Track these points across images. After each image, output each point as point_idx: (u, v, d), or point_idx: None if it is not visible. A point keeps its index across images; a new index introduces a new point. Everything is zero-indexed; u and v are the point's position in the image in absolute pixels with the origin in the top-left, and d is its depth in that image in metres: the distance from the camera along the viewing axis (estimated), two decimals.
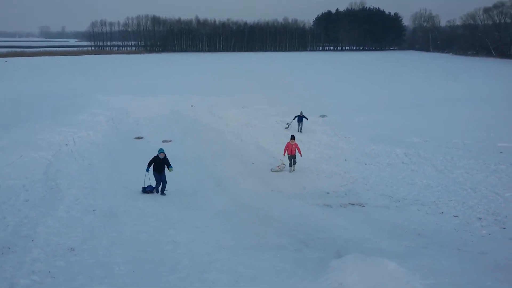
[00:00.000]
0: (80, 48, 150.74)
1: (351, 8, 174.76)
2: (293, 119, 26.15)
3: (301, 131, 25.33)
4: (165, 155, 14.68)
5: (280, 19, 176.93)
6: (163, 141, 23.55)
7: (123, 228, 10.13)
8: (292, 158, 18.18)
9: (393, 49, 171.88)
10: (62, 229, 9.84)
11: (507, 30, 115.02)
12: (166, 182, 14.55)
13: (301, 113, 25.84)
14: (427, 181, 14.76)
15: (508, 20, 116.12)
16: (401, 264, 7.31)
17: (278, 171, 18.11)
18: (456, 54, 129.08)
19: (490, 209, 11.59)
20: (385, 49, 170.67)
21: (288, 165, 18.29)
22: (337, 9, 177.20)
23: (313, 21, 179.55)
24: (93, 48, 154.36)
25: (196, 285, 7.30)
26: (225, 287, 7.26)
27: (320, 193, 14.68)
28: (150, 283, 7.40)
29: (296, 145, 18.12)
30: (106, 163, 18.23)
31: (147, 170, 14.50)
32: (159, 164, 14.47)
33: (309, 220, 11.36)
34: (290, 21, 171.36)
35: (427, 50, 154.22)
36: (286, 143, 18.50)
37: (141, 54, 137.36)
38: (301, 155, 18.21)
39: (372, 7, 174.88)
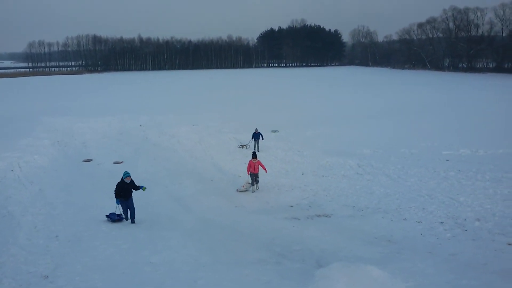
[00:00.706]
0: (17, 70, 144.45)
1: (293, 25, 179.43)
2: (252, 138, 25.26)
3: (258, 150, 24.30)
4: (131, 178, 13.52)
5: (225, 36, 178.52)
6: (114, 162, 22.92)
7: (94, 253, 9.81)
8: (255, 177, 17.55)
9: (335, 65, 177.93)
10: (28, 257, 9.43)
11: (440, 44, 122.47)
12: (134, 208, 13.31)
13: (256, 130, 25.25)
14: (385, 189, 15.31)
15: (441, 35, 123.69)
16: (382, 270, 7.61)
17: (244, 191, 17.53)
18: (394, 67, 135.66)
19: (449, 213, 12.22)
20: (326, 65, 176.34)
21: (251, 184, 17.64)
22: (279, 26, 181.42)
23: (257, 39, 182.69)
24: (31, 69, 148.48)
25: None
26: None
27: (284, 206, 14.85)
28: None
29: (259, 163, 17.61)
30: (57, 187, 17.45)
31: (118, 202, 13.19)
32: (126, 189, 13.20)
33: (281, 234, 11.47)
34: (234, 38, 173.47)
35: (366, 64, 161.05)
36: (246, 161, 18.28)
37: (82, 74, 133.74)
38: (266, 171, 17.75)
39: (313, 24, 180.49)
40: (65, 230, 11.67)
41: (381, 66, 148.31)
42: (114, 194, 13.31)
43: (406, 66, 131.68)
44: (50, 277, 8.31)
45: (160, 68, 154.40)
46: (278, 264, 9.34)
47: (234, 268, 8.91)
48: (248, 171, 17.62)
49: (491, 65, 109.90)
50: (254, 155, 17.92)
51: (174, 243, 10.45)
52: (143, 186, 13.71)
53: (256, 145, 24.88)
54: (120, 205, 13.23)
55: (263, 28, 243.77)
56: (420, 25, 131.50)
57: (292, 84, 79.33)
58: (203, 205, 15.36)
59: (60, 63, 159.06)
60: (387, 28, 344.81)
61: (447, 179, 15.95)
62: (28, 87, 77.28)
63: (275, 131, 30.57)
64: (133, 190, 13.48)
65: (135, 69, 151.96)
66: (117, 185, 13.26)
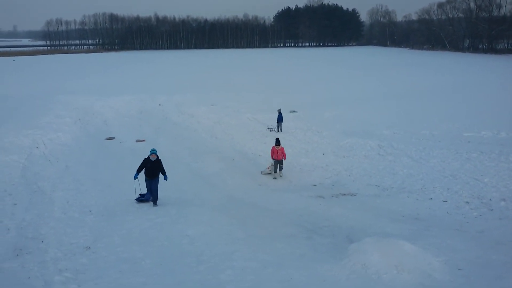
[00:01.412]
0: (35, 48, 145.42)
1: (310, 4, 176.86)
2: (277, 121, 24.76)
3: (281, 130, 24.29)
4: (157, 156, 12.72)
5: (241, 15, 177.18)
6: (137, 141, 23.26)
7: (129, 226, 10.16)
8: (279, 164, 16.95)
9: (352, 45, 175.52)
10: (67, 229, 9.84)
11: (460, 24, 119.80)
12: (156, 191, 12.58)
13: (279, 111, 25.02)
14: (408, 170, 15.40)
15: (461, 15, 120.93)
16: (414, 244, 7.86)
17: (268, 173, 17.15)
18: (412, 48, 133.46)
19: (474, 193, 12.36)
20: (344, 45, 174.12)
21: (274, 171, 17.11)
22: (296, 5, 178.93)
23: (273, 18, 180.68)
24: (49, 47, 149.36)
25: (228, 273, 7.54)
26: (256, 273, 7.52)
27: (308, 185, 15.04)
28: (181, 274, 7.58)
29: (282, 150, 16.92)
30: (82, 165, 17.84)
31: (135, 177, 12.50)
32: (151, 168, 12.45)
33: (308, 211, 11.73)
34: (250, 17, 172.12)
35: (384, 45, 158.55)
36: (266, 141, 18.28)
37: (99, 52, 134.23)
38: (284, 159, 17.01)
39: (330, 3, 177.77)
40: (97, 205, 12.03)
41: (400, 47, 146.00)
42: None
43: (425, 46, 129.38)
44: (92, 248, 8.67)
45: (176, 47, 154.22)
46: (309, 239, 9.58)
47: (268, 242, 9.16)
48: (272, 157, 17.19)
49: None
50: (278, 142, 17.12)
51: (206, 218, 10.72)
52: (166, 176, 12.91)
53: (279, 127, 24.68)
54: (137, 180, 12.64)
55: (279, 7, 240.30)
56: (440, 5, 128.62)
57: (309, 64, 78.67)
58: (227, 183, 15.63)
59: (78, 42, 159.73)
60: (406, 7, 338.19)
61: (469, 160, 15.94)
62: (46, 65, 77.90)
63: (294, 111, 30.55)
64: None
65: (152, 48, 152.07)
66: (143, 160, 12.81)
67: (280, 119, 24.62)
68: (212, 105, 32.62)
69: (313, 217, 11.06)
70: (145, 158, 12.76)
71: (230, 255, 7.96)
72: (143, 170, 12.62)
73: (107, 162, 18.77)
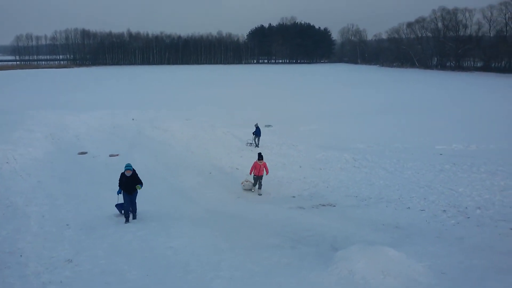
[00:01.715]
0: (4, 63, 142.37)
1: (283, 23, 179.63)
2: (253, 134, 24.81)
3: (258, 145, 24.28)
4: (132, 171, 12.44)
5: (214, 32, 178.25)
6: (110, 155, 22.84)
7: (110, 239, 9.92)
8: (259, 180, 16.51)
9: (324, 62, 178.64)
10: (46, 243, 9.54)
11: (428, 43, 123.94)
12: (135, 204, 12.48)
13: (257, 125, 24.98)
14: (384, 181, 15.68)
15: (429, 34, 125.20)
16: (398, 251, 7.96)
17: (248, 189, 16.75)
18: (382, 65, 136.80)
19: (450, 202, 12.66)
20: (316, 62, 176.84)
21: (254, 186, 16.74)
22: (270, 23, 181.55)
23: (246, 35, 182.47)
24: (18, 62, 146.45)
25: (217, 282, 7.51)
26: (244, 282, 7.53)
27: (287, 197, 15.11)
28: (170, 284, 7.51)
29: (265, 165, 16.58)
30: (55, 179, 17.37)
31: (118, 192, 12.42)
32: (127, 182, 12.29)
33: (290, 222, 11.76)
34: (224, 34, 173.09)
35: (355, 62, 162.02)
36: (242, 154, 18.22)
37: (70, 68, 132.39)
38: (267, 174, 16.65)
39: (303, 22, 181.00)
40: (74, 219, 11.72)
41: (370, 64, 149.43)
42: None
43: (394, 64, 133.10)
44: (74, 261, 8.45)
45: (149, 63, 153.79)
46: (294, 248, 9.61)
47: (253, 252, 9.16)
48: (251, 171, 16.68)
49: (478, 65, 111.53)
50: (260, 157, 16.66)
51: (188, 230, 10.60)
52: (138, 185, 12.49)
53: (257, 141, 24.60)
54: (121, 195, 12.43)
55: (253, 25, 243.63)
56: (409, 25, 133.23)
57: (282, 81, 79.56)
58: (206, 196, 15.50)
59: (48, 57, 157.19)
60: (376, 27, 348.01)
61: (443, 171, 16.36)
62: (16, 80, 76.32)
63: (269, 126, 30.78)
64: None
65: (124, 64, 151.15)
66: (119, 178, 12.56)
67: (258, 133, 24.56)
68: (186, 119, 32.47)
69: (295, 228, 11.10)
70: (122, 173, 12.54)
71: (216, 265, 7.89)
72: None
73: (81, 176, 18.35)
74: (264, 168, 16.48)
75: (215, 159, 21.91)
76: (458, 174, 15.79)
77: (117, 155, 23.00)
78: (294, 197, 15.15)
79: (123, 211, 12.54)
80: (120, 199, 12.71)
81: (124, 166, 12.66)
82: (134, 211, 12.52)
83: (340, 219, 11.96)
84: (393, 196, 13.91)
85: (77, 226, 10.99)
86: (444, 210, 12.04)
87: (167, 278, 7.72)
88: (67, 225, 11.13)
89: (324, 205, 13.74)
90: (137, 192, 12.47)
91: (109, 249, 9.30)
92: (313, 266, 8.15)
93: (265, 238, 10.22)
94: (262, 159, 16.55)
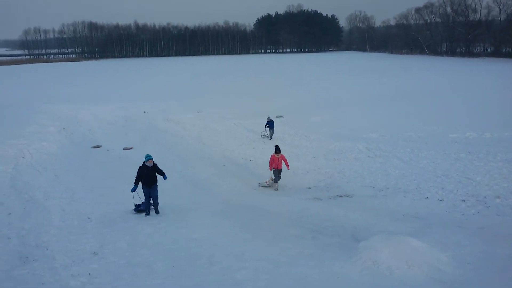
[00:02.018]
0: (13, 58, 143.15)
1: (290, 11, 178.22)
2: (266, 126, 24.47)
3: (271, 138, 23.91)
4: (153, 162, 12.11)
5: (221, 22, 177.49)
6: (124, 148, 23.04)
7: (133, 232, 10.06)
8: (278, 173, 15.95)
9: (332, 50, 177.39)
10: (70, 236, 9.72)
11: (438, 29, 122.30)
12: (157, 197, 12.08)
13: (269, 118, 24.63)
14: (400, 171, 15.63)
15: (438, 20, 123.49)
16: (421, 241, 8.03)
17: (267, 186, 16.12)
18: (391, 53, 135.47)
19: (468, 192, 12.63)
20: (324, 50, 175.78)
21: (275, 182, 16.06)
22: (277, 12, 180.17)
23: (253, 24, 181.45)
24: (27, 56, 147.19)
25: (242, 273, 7.61)
26: (269, 273, 7.62)
27: (303, 188, 15.16)
28: (196, 275, 7.63)
29: (283, 157, 16.08)
30: (71, 173, 17.58)
31: (133, 190, 11.89)
32: (148, 174, 11.86)
33: (309, 213, 11.82)
34: (231, 24, 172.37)
35: (364, 50, 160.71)
36: (255, 146, 18.14)
37: (79, 61, 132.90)
38: (288, 168, 16.13)
39: (310, 10, 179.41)
40: (94, 212, 11.87)
41: (379, 51, 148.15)
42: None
43: (403, 51, 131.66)
44: (100, 254, 8.58)
45: (157, 55, 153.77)
46: (315, 239, 9.67)
47: (275, 243, 9.24)
48: (270, 167, 16.13)
49: (488, 50, 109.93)
50: (278, 150, 16.12)
51: (207, 221, 10.70)
52: (165, 176, 12.42)
53: (270, 133, 24.28)
54: (135, 192, 12.05)
55: (260, 13, 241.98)
56: (417, 10, 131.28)
57: (291, 70, 79.18)
58: (221, 188, 15.60)
59: (57, 50, 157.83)
60: (384, 13, 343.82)
61: (459, 160, 16.27)
62: (26, 75, 76.76)
63: (280, 116, 30.68)
64: (157, 176, 12.26)
65: (132, 56, 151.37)
66: (138, 169, 12.07)
67: (271, 125, 24.28)
68: (197, 111, 32.59)
69: (314, 218, 11.17)
70: (140, 167, 12.05)
71: (240, 256, 8.00)
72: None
73: (96, 170, 18.55)
74: (282, 161, 16.02)
75: (228, 150, 22.00)
76: (474, 162, 15.69)
77: (131, 148, 23.18)
78: (309, 188, 15.20)
79: (141, 207, 12.22)
80: (137, 199, 12.31)
81: (144, 157, 12.28)
82: (156, 205, 12.20)
83: (358, 209, 12.01)
84: (410, 186, 13.90)
85: (98, 219, 11.15)
86: (463, 200, 12.02)
87: (193, 269, 7.83)
88: (88, 218, 11.31)
89: (341, 196, 13.78)
90: (157, 185, 12.14)
91: (132, 241, 9.43)
92: (336, 256, 8.23)
93: (285, 229, 10.29)
94: (280, 152, 16.04)
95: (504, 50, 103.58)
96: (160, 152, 22.07)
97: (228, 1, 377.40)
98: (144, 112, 33.23)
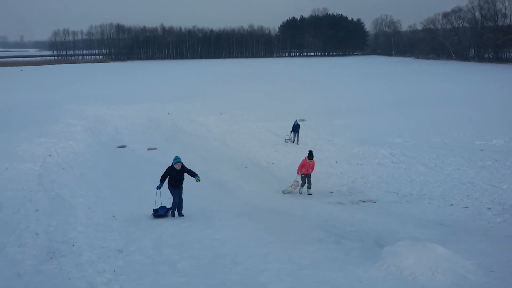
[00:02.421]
0: (43, 58, 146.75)
1: (315, 14, 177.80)
2: (291, 131, 24.15)
3: (298, 143, 23.61)
4: (182, 164, 12.05)
5: (246, 26, 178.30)
6: (148, 149, 23.36)
7: (157, 231, 10.24)
8: (307, 178, 15.68)
9: (357, 54, 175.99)
10: (96, 234, 9.92)
11: (465, 33, 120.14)
12: (182, 200, 12.03)
13: (296, 121, 24.28)
14: (424, 177, 15.48)
15: (466, 25, 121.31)
16: (446, 248, 7.96)
17: (290, 191, 15.76)
18: (418, 57, 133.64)
19: (494, 200, 12.45)
20: (349, 54, 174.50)
21: (301, 185, 15.77)
22: (301, 15, 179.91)
23: (278, 28, 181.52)
24: (56, 57, 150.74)
25: (266, 274, 7.67)
26: (293, 275, 7.65)
27: (325, 192, 15.15)
28: (219, 275, 7.73)
29: (313, 163, 15.85)
30: (97, 172, 17.94)
31: (159, 187, 11.75)
32: (176, 176, 11.83)
33: (332, 216, 11.83)
34: (256, 28, 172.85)
35: (389, 54, 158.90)
36: (278, 149, 18.10)
37: (106, 62, 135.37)
38: (311, 171, 15.84)
39: (335, 14, 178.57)
40: (120, 211, 12.08)
41: (405, 56, 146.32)
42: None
43: (430, 56, 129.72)
44: (125, 251, 8.75)
45: (182, 57, 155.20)
46: (338, 243, 9.68)
47: (298, 246, 9.28)
48: (299, 171, 15.74)
49: None
50: (311, 155, 15.77)
51: (231, 223, 10.80)
52: (197, 176, 12.12)
53: (296, 138, 24.03)
54: (159, 192, 11.84)
55: (284, 17, 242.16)
56: (445, 15, 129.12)
57: (315, 73, 78.95)
58: (244, 190, 15.69)
59: (84, 52, 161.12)
60: (411, 17, 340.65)
61: (485, 168, 16.03)
62: (54, 75, 78.57)
63: (302, 120, 30.63)
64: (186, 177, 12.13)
65: (158, 58, 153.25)
66: (166, 169, 12.01)
67: (296, 129, 23.99)
68: (221, 113, 32.80)
69: (338, 222, 11.16)
70: (168, 167, 11.94)
71: (264, 258, 8.05)
72: (167, 179, 11.92)
73: (121, 170, 18.87)
74: (312, 167, 15.73)
75: (251, 153, 22.09)
76: (500, 170, 15.44)
77: (155, 148, 23.50)
78: (332, 192, 15.17)
79: (160, 212, 11.88)
80: (158, 201, 12.05)
81: (173, 159, 12.12)
82: (180, 208, 12.11)
83: (382, 215, 11.96)
84: (435, 192, 13.75)
85: (124, 217, 11.35)
86: (488, 208, 11.85)
87: (217, 269, 7.93)
88: (113, 216, 11.52)
89: (364, 201, 13.73)
90: (182, 188, 12.04)
91: (157, 240, 9.57)
92: (360, 261, 8.24)
93: (308, 232, 10.32)
94: (313, 158, 15.73)
95: None
96: (184, 153, 22.04)
97: (253, 5, 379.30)
98: (169, 113, 33.62)
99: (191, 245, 8.54)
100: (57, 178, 16.48)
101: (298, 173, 15.70)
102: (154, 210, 11.99)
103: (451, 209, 12.10)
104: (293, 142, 23.79)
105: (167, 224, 10.85)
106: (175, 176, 11.80)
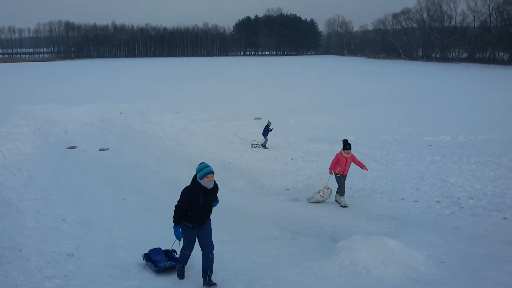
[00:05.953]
0: None
1: (269, 14, 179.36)
2: (264, 134, 22.51)
3: (265, 147, 22.22)
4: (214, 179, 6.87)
5: (200, 24, 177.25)
6: (100, 149, 22.74)
7: (110, 234, 9.93)
8: (343, 180, 12.22)
9: (310, 54, 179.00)
10: (45, 238, 9.50)
11: (414, 34, 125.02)
12: (212, 250, 7.12)
13: (269, 122, 22.96)
14: (376, 173, 15.87)
15: (415, 25, 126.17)
16: (398, 241, 8.16)
17: (320, 200, 12.73)
18: (369, 57, 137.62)
19: (443, 193, 12.87)
20: (303, 54, 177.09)
21: (338, 192, 12.45)
22: (256, 15, 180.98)
23: (233, 27, 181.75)
24: (1, 56, 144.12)
25: (222, 274, 7.64)
26: (249, 273, 7.69)
27: (281, 190, 15.20)
28: (175, 275, 7.64)
29: (354, 158, 12.27)
30: (46, 174, 17.19)
31: (179, 237, 6.98)
32: (204, 204, 6.91)
33: (288, 214, 11.87)
34: (210, 26, 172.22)
35: (342, 54, 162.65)
36: (234, 148, 17.81)
37: (55, 61, 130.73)
38: (366, 169, 12.67)
39: (289, 13, 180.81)
40: (70, 213, 11.62)
41: (357, 56, 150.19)
42: (173, 216, 7.08)
43: (380, 55, 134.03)
44: (76, 255, 8.44)
45: (134, 55, 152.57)
46: (294, 240, 9.73)
47: (254, 244, 9.29)
48: (331, 170, 12.36)
49: (463, 55, 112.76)
50: (348, 145, 12.07)
51: None
52: (217, 201, 7.36)
53: (264, 142, 22.50)
54: (180, 238, 7.02)
55: (239, 16, 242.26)
56: (395, 16, 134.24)
57: (270, 73, 79.53)
58: None
59: (32, 50, 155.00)
60: (362, 18, 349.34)
61: (433, 163, 16.60)
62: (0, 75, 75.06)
63: (258, 118, 30.84)
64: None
65: (109, 56, 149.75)
66: (183, 193, 7.07)
67: (265, 131, 22.50)
68: (176, 112, 32.46)
69: (294, 219, 11.22)
70: (188, 189, 7.07)
71: (220, 257, 7.97)
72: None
73: (71, 171, 18.20)
74: (352, 163, 12.30)
75: (206, 152, 21.90)
76: (448, 165, 16.05)
77: (107, 149, 22.89)
78: (288, 189, 15.27)
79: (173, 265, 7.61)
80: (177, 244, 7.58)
81: (197, 169, 7.11)
82: (208, 269, 7.05)
83: (336, 210, 12.12)
84: (386, 187, 14.09)
85: (74, 220, 10.94)
86: (437, 201, 12.25)
87: (171, 270, 7.79)
88: (63, 219, 11.07)
89: None
90: (210, 223, 7.28)
91: (110, 243, 9.29)
92: (315, 256, 8.33)
93: (264, 230, 10.33)
94: (350, 149, 12.06)
95: (478, 55, 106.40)
96: (137, 153, 21.87)
97: (207, 3, 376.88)
98: (121, 113, 32.93)
99: (145, 248, 8.32)
100: (3, 181, 15.68)
101: (330, 173, 12.36)
102: (144, 255, 8.03)
103: (402, 203, 12.42)
104: (264, 147, 22.23)
105: (120, 226, 10.50)
106: (202, 203, 6.84)
